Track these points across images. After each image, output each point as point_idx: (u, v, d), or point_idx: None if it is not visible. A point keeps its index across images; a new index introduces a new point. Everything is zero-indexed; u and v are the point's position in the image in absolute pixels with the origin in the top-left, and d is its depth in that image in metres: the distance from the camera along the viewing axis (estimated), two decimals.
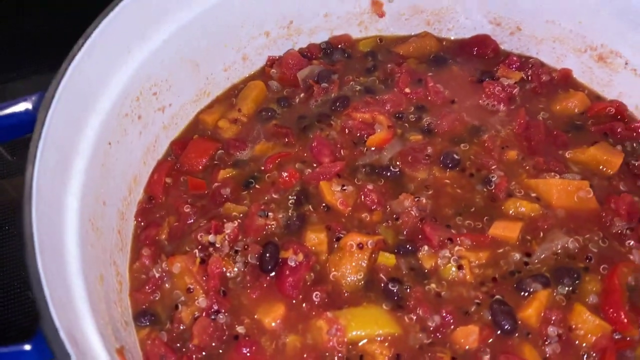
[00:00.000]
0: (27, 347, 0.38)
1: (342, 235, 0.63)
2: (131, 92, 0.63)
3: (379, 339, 0.57)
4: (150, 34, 0.64)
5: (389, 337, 0.57)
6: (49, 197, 0.48)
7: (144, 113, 0.66)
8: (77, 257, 0.49)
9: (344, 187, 0.67)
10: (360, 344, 0.56)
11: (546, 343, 0.56)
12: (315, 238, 0.63)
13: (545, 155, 0.69)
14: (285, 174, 0.68)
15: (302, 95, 0.77)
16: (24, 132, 0.51)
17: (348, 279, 0.61)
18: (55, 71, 1.02)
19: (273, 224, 0.65)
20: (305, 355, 0.56)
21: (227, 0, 0.70)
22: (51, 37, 1.06)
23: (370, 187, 0.67)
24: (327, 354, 0.56)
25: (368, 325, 0.57)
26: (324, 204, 0.67)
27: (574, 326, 0.57)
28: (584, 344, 0.56)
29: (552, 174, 0.67)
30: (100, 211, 0.57)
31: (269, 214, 0.65)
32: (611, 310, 0.56)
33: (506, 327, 0.57)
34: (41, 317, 0.39)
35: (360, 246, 0.62)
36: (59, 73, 0.52)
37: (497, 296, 0.59)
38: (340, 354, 0.56)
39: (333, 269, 0.62)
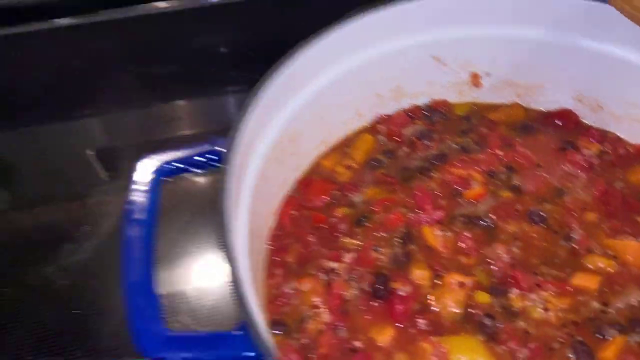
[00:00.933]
0: (238, 332, 0.50)
1: (442, 274, 0.75)
2: (278, 139, 0.77)
3: None
4: (296, 95, 0.79)
5: None
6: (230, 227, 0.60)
7: (284, 156, 0.80)
8: (249, 277, 0.61)
9: (444, 233, 0.79)
10: None
11: None
12: (420, 274, 0.74)
13: (622, 220, 0.80)
14: (392, 217, 0.81)
15: (405, 149, 0.90)
16: (213, 167, 0.65)
17: (448, 310, 0.72)
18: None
19: (383, 258, 0.77)
20: None
21: (354, 70, 0.84)
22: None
23: (467, 234, 0.78)
24: None
25: (467, 351, 0.68)
26: (426, 246, 0.78)
27: None
28: None
29: (628, 236, 0.77)
30: (254, 237, 0.70)
31: (380, 249, 0.77)
32: None
33: None
34: (246, 311, 0.51)
35: (461, 284, 0.73)
36: (240, 121, 0.66)
37: (579, 337, 0.69)
38: None
39: (435, 302, 0.72)
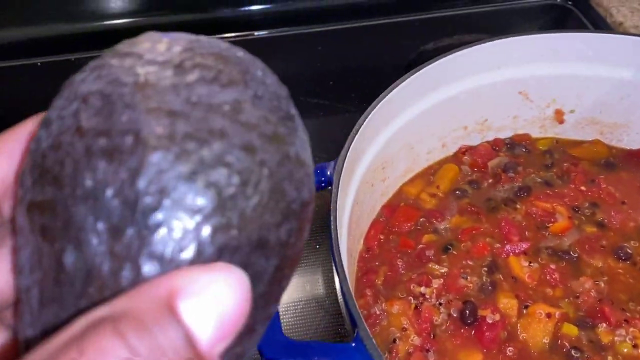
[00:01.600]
0: (353, 344, 0.54)
1: (529, 304, 0.76)
2: (371, 166, 0.81)
3: None
4: (389, 125, 0.83)
5: None
6: (339, 245, 0.64)
7: (375, 182, 0.84)
8: (352, 290, 0.65)
9: (530, 264, 0.81)
10: None
11: None
12: (508, 302, 0.77)
13: None
14: (478, 246, 0.83)
15: (490, 180, 0.92)
16: (321, 188, 0.69)
17: (536, 340, 0.73)
18: None
19: (470, 286, 0.79)
20: None
21: (445, 102, 0.87)
22: None
23: (553, 266, 0.80)
24: None
25: None
26: (512, 276, 0.80)
27: None
28: None
29: None
30: (346, 257, 0.74)
31: (467, 277, 0.80)
32: None
33: None
34: (358, 326, 0.54)
35: (549, 315, 0.74)
36: (345, 149, 0.71)
37: None
38: None
39: (523, 331, 0.74)
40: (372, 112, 0.76)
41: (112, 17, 1.27)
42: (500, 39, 0.86)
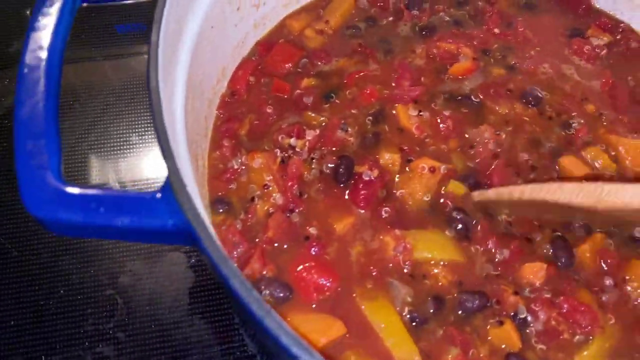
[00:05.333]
0: (158, 194, 0.40)
1: (412, 159, 0.64)
2: None
3: (442, 263, 0.59)
4: None
5: (453, 264, 0.59)
6: (165, 66, 0.48)
7: (242, 4, 0.66)
8: (183, 132, 0.50)
9: (421, 113, 0.68)
10: (424, 265, 0.58)
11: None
12: (390, 157, 0.64)
13: (629, 116, 0.70)
14: (365, 92, 0.69)
15: (390, 18, 0.77)
16: None
17: (416, 197, 0.62)
18: None
19: (350, 139, 0.66)
20: (370, 267, 0.58)
21: None
22: None
23: (447, 113, 0.67)
24: (392, 268, 0.58)
25: (434, 249, 0.59)
26: (399, 126, 0.67)
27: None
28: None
29: (635, 135, 0.68)
30: (198, 93, 0.58)
31: (348, 128, 0.66)
32: None
33: (564, 260, 0.58)
34: (170, 171, 0.40)
35: (432, 170, 0.62)
36: None
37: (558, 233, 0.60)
38: (404, 271, 0.58)
39: (402, 188, 0.62)
40: None
41: None
42: None
